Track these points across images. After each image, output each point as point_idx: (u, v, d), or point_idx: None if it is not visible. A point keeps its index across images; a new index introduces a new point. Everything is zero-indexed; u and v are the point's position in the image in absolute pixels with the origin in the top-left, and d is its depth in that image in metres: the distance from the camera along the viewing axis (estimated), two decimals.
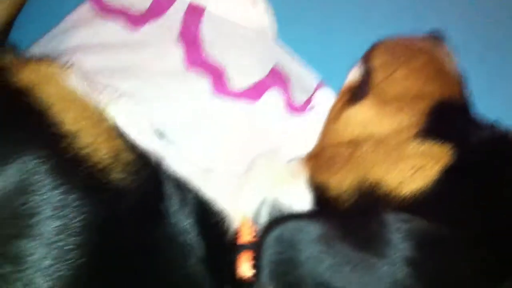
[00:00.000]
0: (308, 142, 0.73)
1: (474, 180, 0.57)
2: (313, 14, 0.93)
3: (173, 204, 0.57)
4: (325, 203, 0.60)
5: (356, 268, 0.49)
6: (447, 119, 0.66)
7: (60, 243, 0.47)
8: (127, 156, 0.55)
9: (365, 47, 0.79)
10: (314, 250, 0.50)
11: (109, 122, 0.59)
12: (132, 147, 0.58)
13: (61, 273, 0.47)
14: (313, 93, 0.81)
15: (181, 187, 0.59)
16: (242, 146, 0.74)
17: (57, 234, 0.48)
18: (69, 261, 0.47)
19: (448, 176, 0.57)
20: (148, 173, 0.56)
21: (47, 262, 0.46)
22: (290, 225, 0.52)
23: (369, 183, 0.59)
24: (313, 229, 0.51)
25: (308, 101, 0.81)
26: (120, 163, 0.53)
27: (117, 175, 0.52)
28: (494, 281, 0.48)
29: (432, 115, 0.66)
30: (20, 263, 0.46)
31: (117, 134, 0.58)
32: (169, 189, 0.57)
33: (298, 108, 0.80)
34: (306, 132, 0.75)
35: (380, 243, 0.50)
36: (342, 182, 0.60)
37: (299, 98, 0.81)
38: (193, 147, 0.73)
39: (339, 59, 0.80)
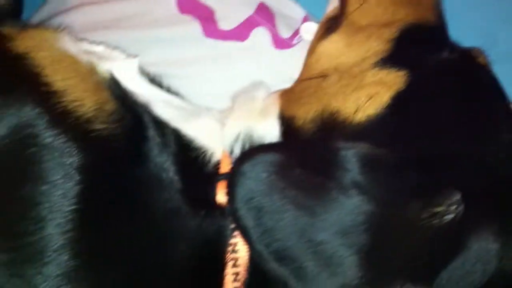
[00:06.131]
0: (294, 76, 0.77)
1: (420, 104, 0.61)
2: None
3: (155, 146, 0.65)
4: (292, 134, 0.66)
5: (310, 191, 0.56)
6: (413, 43, 0.69)
7: (59, 190, 0.57)
8: (111, 107, 0.64)
9: None
10: (272, 177, 0.57)
11: (97, 76, 0.67)
12: (118, 97, 0.66)
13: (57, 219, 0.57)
14: (299, 26, 0.85)
15: (164, 130, 0.67)
16: (233, 85, 0.80)
17: (57, 180, 0.58)
18: (66, 207, 0.57)
19: (397, 102, 0.61)
20: (131, 120, 0.65)
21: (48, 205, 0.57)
22: (256, 156, 0.59)
23: (329, 112, 0.64)
24: (273, 159, 0.58)
25: (294, 34, 0.84)
26: (103, 114, 0.62)
27: (100, 125, 0.61)
28: (423, 202, 0.52)
29: (398, 40, 0.69)
30: (26, 206, 0.56)
31: (104, 86, 0.66)
32: (151, 132, 0.66)
33: (285, 43, 0.84)
34: (293, 66, 0.78)
35: (331, 168, 0.56)
36: (307, 112, 0.66)
37: (286, 32, 0.85)
38: (187, 89, 0.81)
39: None
